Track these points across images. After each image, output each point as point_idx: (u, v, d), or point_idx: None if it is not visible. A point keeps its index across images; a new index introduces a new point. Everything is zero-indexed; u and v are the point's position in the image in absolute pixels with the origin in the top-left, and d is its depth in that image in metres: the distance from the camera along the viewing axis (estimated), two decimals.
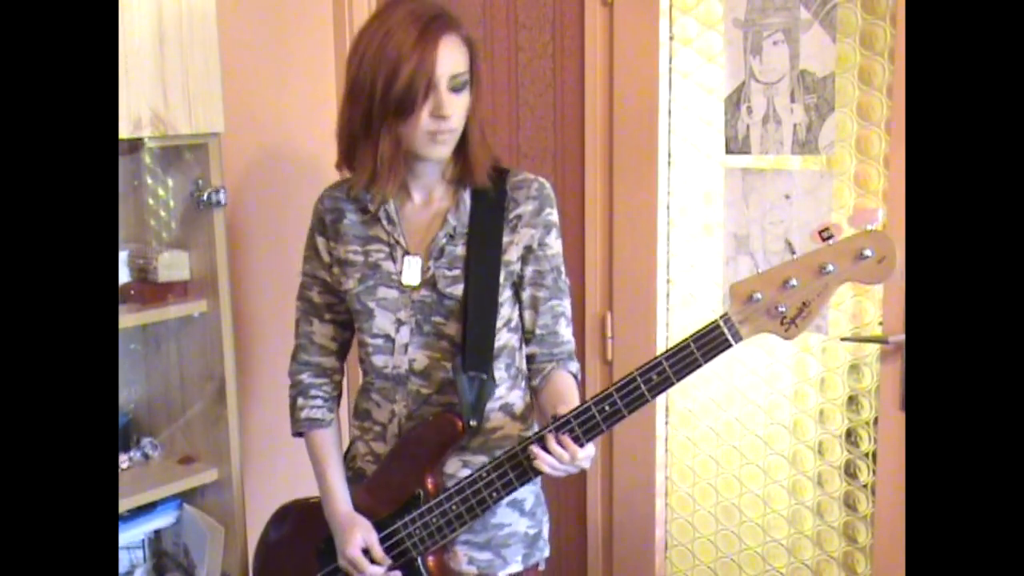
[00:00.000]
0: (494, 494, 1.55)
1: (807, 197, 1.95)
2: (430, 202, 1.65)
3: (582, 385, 2.27)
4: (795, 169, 1.96)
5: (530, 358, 1.69)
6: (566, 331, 1.68)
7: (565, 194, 2.26)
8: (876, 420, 1.91)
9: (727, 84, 2.02)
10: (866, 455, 1.95)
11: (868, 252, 1.32)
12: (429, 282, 1.62)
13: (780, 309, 1.38)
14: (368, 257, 1.65)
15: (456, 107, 1.53)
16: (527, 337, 1.68)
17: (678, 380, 1.44)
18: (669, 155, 2.13)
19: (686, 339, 1.42)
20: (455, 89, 1.52)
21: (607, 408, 1.46)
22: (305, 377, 1.75)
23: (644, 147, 2.12)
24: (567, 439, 1.46)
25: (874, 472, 1.93)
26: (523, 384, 1.71)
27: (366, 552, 1.63)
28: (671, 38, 2.10)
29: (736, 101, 2.01)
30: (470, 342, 1.59)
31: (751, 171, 2.02)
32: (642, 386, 1.44)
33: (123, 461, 2.14)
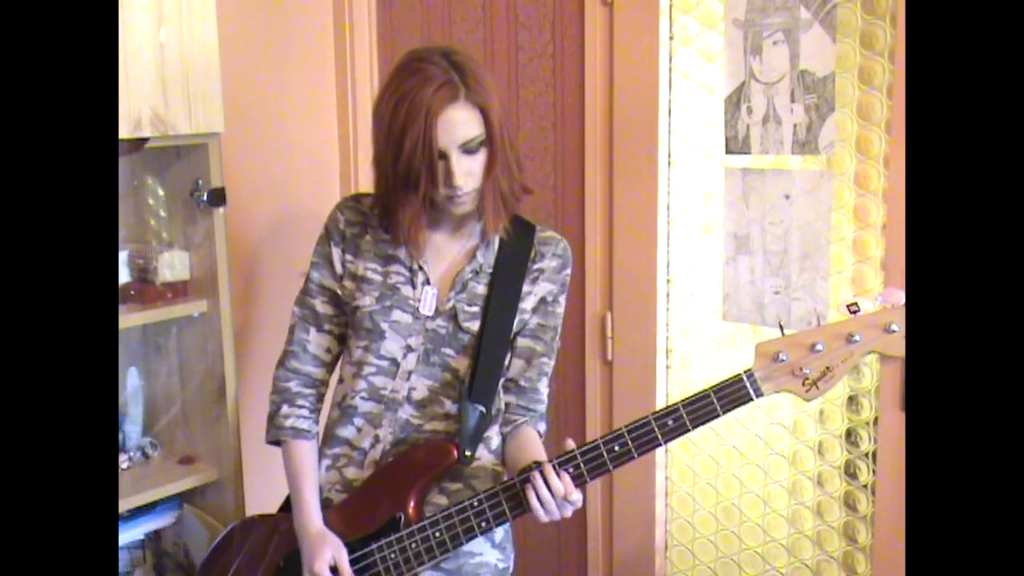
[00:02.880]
0: (483, 524, 1.54)
1: (807, 197, 1.95)
2: (458, 234, 1.66)
3: (582, 386, 2.29)
4: (795, 169, 1.96)
5: (504, 407, 1.69)
6: (546, 390, 1.70)
7: (565, 194, 2.27)
8: (876, 420, 1.91)
9: (727, 84, 2.02)
10: (866, 455, 1.95)
11: (895, 327, 1.40)
12: (448, 313, 1.63)
13: (804, 371, 1.43)
14: (388, 278, 1.64)
15: (470, 168, 1.53)
16: (507, 384, 1.68)
17: (694, 428, 1.46)
18: (669, 155, 2.13)
19: (707, 389, 1.45)
20: (468, 152, 1.52)
21: (616, 448, 1.47)
22: (293, 385, 1.72)
23: (644, 147, 2.12)
24: (566, 476, 1.47)
25: (874, 472, 1.93)
26: (500, 421, 1.71)
27: (334, 571, 1.60)
28: (671, 38, 2.10)
29: (736, 101, 2.01)
30: (480, 375, 1.61)
31: (751, 171, 2.02)
32: (656, 430, 1.46)
33: (123, 461, 2.14)
